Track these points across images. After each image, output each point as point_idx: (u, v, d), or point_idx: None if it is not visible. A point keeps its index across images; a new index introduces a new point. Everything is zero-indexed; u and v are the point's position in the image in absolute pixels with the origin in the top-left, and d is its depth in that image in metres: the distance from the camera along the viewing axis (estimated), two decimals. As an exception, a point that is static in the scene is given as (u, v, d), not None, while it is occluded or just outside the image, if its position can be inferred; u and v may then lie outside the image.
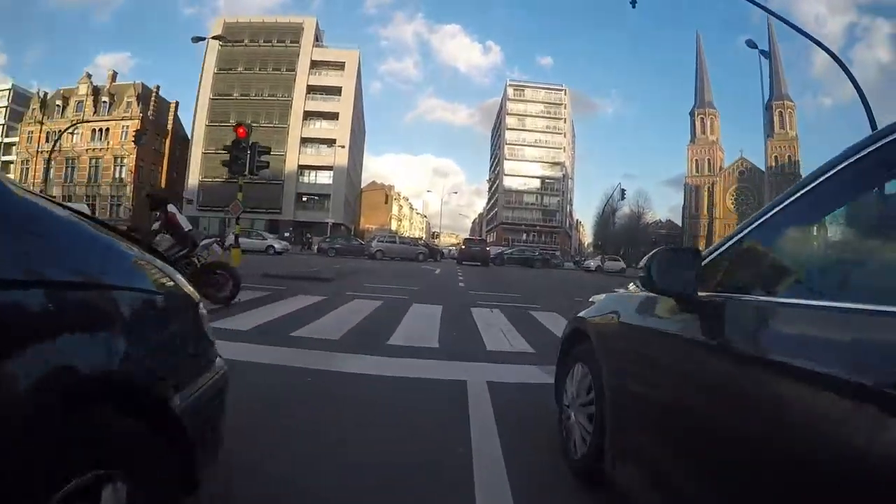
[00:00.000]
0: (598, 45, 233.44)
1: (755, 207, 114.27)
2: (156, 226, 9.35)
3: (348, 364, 6.04)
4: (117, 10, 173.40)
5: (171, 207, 9.35)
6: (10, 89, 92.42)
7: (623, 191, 58.20)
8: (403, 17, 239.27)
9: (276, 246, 41.10)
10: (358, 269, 26.36)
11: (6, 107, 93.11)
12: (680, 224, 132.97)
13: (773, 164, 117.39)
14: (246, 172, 16.82)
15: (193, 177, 75.59)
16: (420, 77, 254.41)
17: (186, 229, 9.50)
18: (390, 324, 9.02)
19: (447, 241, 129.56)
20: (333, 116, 76.86)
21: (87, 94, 78.61)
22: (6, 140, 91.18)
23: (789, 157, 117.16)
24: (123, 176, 76.87)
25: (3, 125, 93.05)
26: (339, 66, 78.78)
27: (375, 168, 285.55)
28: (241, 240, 42.26)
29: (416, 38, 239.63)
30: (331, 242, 45.42)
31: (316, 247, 45.45)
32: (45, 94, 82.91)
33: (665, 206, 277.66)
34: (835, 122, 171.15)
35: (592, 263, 53.69)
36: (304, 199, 77.18)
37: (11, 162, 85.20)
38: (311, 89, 77.20)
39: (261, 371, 5.24)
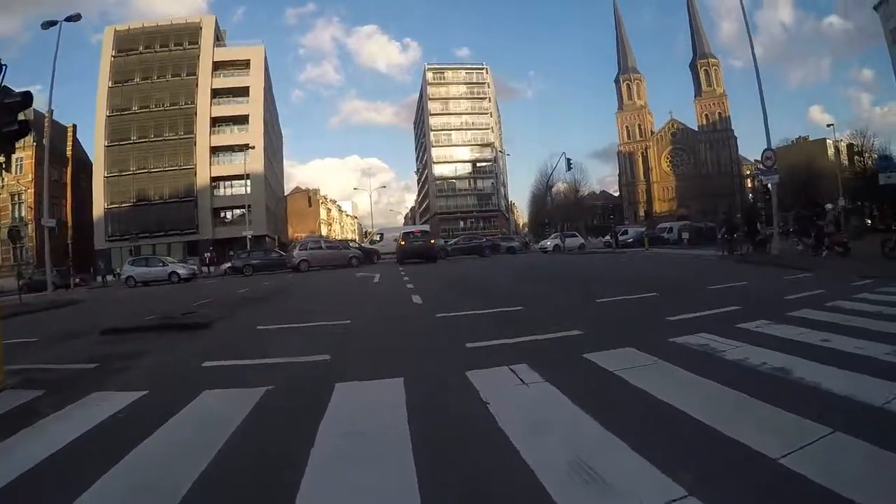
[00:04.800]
0: (512, 26, 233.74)
1: (691, 167, 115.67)
2: None
3: None
4: (25, 45, 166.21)
5: None
6: None
7: (569, 160, 53.59)
8: (321, 24, 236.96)
9: (180, 272, 35.92)
10: (270, 291, 20.46)
11: None
12: (613, 194, 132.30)
13: (705, 122, 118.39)
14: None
15: (98, 205, 69.05)
16: (341, 81, 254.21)
17: None
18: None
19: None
20: (243, 120, 71.36)
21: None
22: None
23: (720, 114, 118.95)
24: (23, 214, 69.39)
25: None
26: (245, 64, 73.29)
27: (302, 176, 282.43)
28: (134, 269, 37.88)
29: (333, 42, 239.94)
30: (245, 259, 39.54)
31: (225, 266, 39.97)
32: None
33: (594, 179, 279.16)
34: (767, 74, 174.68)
35: (550, 243, 49.29)
36: (222, 214, 71.80)
37: None
38: (217, 93, 71.38)
39: None
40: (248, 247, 50.09)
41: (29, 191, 69.30)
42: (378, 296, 16.40)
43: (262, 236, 65.14)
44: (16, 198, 70.16)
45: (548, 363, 5.61)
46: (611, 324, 8.23)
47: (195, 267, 39.92)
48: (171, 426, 4.51)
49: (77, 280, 45.70)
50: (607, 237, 54.70)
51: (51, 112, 67.91)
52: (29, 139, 68.48)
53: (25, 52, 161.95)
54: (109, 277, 48.14)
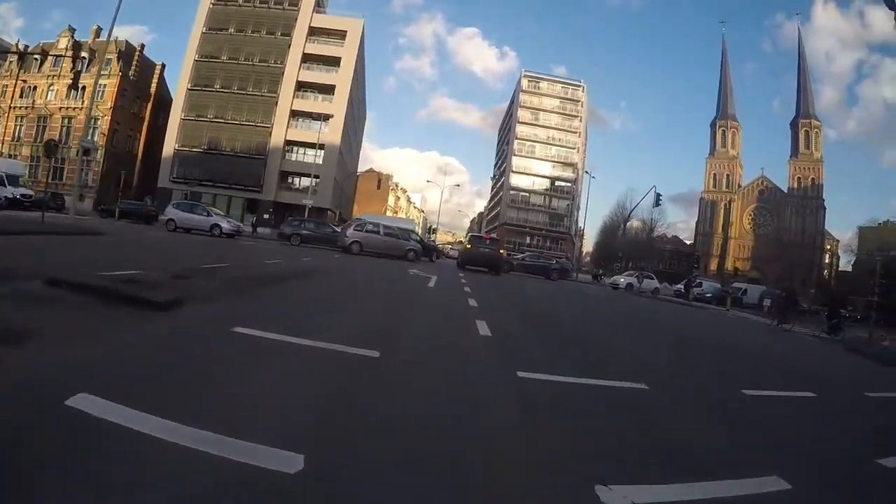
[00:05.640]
0: (613, 53, 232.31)
1: (773, 230, 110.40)
2: None
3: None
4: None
5: None
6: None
7: (659, 195, 49.47)
8: (426, 18, 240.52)
9: (223, 225, 33.15)
10: (302, 271, 16.53)
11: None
12: (684, 241, 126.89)
13: (796, 186, 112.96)
14: None
15: (169, 145, 68.26)
16: (435, 76, 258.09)
17: None
18: None
19: (443, 238, 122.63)
20: (329, 90, 69.12)
21: (66, 49, 71.88)
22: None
23: (813, 179, 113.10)
24: (95, 139, 69.28)
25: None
26: (341, 35, 70.89)
27: (379, 160, 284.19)
28: (176, 213, 34.46)
29: (434, 37, 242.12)
30: (296, 227, 36.13)
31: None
32: (26, 46, 76.68)
33: (665, 223, 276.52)
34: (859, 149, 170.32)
35: (623, 280, 46.07)
36: (290, 178, 69.81)
37: (-19, 116, 79.70)
38: (307, 58, 69.41)
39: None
40: (306, 215, 47.91)
41: (105, 118, 69.45)
42: (431, 310, 12.24)
43: (324, 209, 63.18)
44: (92, 122, 69.87)
45: None
46: (816, 464, 4.54)
47: (240, 224, 37.36)
48: None
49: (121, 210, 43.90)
50: (678, 286, 50.72)
51: (141, 46, 67.40)
52: (115, 68, 68.97)
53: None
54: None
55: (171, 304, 7.09)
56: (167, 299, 7.19)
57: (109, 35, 32.85)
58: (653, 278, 48.66)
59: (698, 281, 47.52)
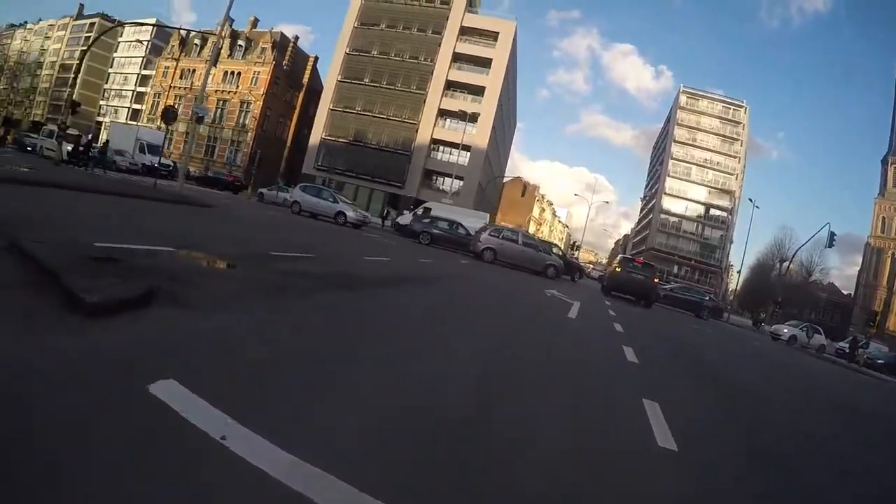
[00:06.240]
0: (773, 79, 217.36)
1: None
2: None
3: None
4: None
5: None
6: (154, 24, 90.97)
7: (833, 234, 42.68)
8: (581, 32, 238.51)
9: (348, 213, 30.82)
10: (410, 277, 12.67)
11: (149, 41, 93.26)
12: (842, 290, 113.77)
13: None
14: None
15: (317, 133, 68.72)
16: (587, 92, 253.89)
17: None
18: None
19: (585, 257, 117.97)
20: (479, 91, 66.73)
21: (224, 37, 74.31)
22: (144, 72, 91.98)
23: None
24: (247, 122, 73.63)
25: (144, 58, 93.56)
26: (492, 36, 68.44)
27: (528, 171, 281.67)
28: (303, 196, 32.69)
29: (588, 52, 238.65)
30: (427, 225, 32.78)
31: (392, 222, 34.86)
32: (187, 32, 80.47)
33: (824, 267, 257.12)
34: None
35: (786, 330, 39.66)
36: (433, 177, 67.89)
37: (145, 93, 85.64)
38: (457, 57, 67.47)
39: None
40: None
41: (258, 103, 71.76)
42: (570, 371, 6.64)
43: (465, 211, 61.40)
44: (245, 105, 72.96)
45: None
46: None
47: (367, 214, 35.29)
48: None
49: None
50: (841, 343, 43.06)
51: (296, 38, 67.96)
52: (269, 57, 71.19)
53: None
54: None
55: (112, 307, 3.94)
56: (105, 299, 3.96)
57: (224, 20, 31.54)
58: (820, 333, 42.20)
59: (864, 341, 39.91)
